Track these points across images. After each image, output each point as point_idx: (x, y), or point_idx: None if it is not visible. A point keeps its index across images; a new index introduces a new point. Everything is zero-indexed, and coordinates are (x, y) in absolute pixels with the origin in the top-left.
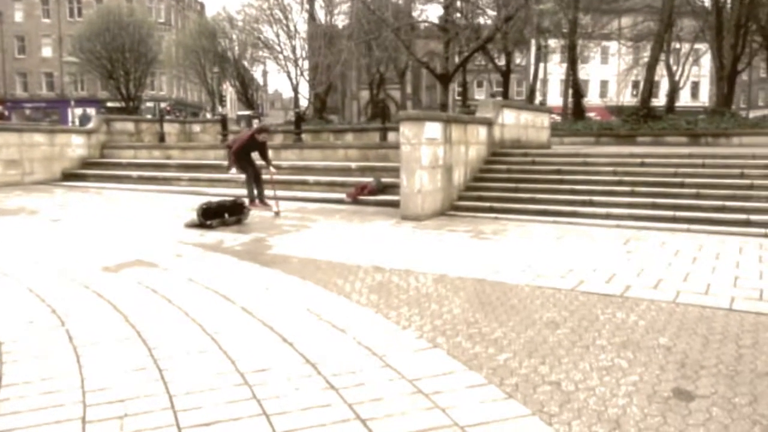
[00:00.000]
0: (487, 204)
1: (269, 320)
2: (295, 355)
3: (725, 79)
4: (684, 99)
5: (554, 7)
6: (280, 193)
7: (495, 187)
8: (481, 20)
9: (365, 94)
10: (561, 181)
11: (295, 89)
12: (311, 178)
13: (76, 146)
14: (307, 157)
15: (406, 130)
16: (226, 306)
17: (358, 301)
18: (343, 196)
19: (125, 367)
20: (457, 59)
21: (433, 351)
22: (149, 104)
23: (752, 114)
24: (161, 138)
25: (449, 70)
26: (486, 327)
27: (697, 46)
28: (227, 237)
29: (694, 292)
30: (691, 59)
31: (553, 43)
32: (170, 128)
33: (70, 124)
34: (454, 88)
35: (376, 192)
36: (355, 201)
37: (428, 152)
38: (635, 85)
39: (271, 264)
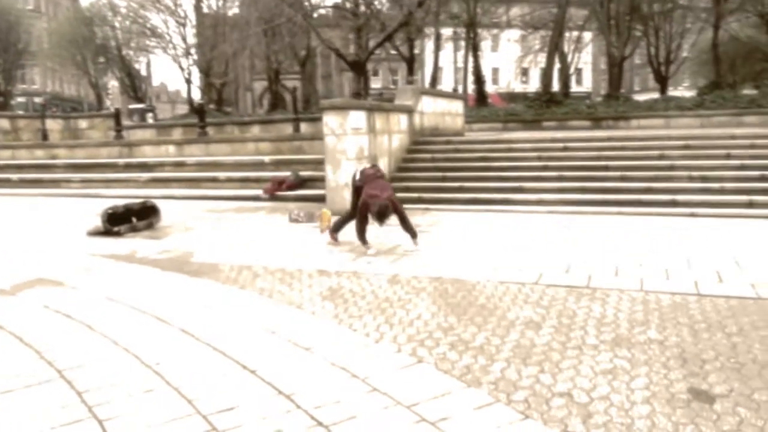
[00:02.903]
0: (416, 195)
1: (218, 343)
2: (263, 386)
3: (617, 65)
4: (571, 85)
5: None
6: (188, 191)
7: (421, 177)
8: (379, 6)
9: (258, 85)
10: (488, 168)
11: (188, 81)
12: (222, 175)
13: None
14: (214, 152)
15: (330, 120)
16: (161, 329)
17: (313, 312)
18: (259, 192)
19: (53, 423)
20: (353, 48)
21: (419, 367)
22: (21, 99)
23: (641, 97)
24: (44, 136)
25: (361, 57)
26: (465, 333)
27: (577, 34)
28: (141, 245)
29: (656, 278)
30: (578, 47)
31: (448, 31)
32: (53, 125)
33: None
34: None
35: (295, 186)
36: (273, 197)
37: (353, 143)
38: (524, 72)
39: (201, 274)
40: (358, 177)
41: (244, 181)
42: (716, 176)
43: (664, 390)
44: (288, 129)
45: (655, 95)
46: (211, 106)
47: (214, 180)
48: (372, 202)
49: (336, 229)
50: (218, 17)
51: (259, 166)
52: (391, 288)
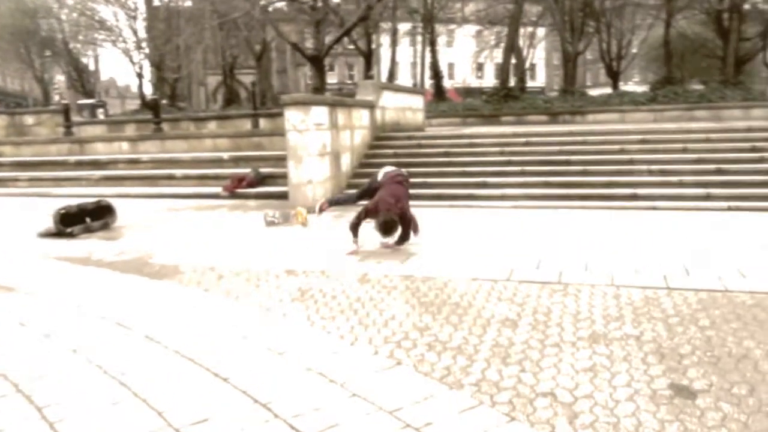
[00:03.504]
0: None
1: (186, 350)
2: (238, 395)
3: (571, 61)
4: (526, 81)
5: None
6: (143, 189)
7: None
8: (337, 0)
9: (212, 80)
10: (451, 164)
11: (140, 75)
12: (179, 172)
13: None
14: (170, 149)
15: (292, 115)
16: (124, 336)
17: (284, 314)
18: (218, 189)
19: None
20: (310, 42)
21: (398, 369)
22: None
23: (594, 92)
24: None
25: (321, 52)
26: (441, 332)
27: (531, 29)
28: (97, 246)
29: (624, 272)
30: (532, 43)
31: (404, 27)
32: None
33: None
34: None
35: (255, 184)
36: (232, 195)
37: (316, 139)
38: (479, 67)
39: (162, 276)
40: (380, 177)
41: (203, 179)
42: (674, 170)
43: (646, 386)
44: (246, 125)
45: (608, 90)
46: (164, 101)
47: (171, 177)
48: (381, 212)
49: (355, 231)
50: (171, 10)
51: (218, 162)
52: (362, 287)
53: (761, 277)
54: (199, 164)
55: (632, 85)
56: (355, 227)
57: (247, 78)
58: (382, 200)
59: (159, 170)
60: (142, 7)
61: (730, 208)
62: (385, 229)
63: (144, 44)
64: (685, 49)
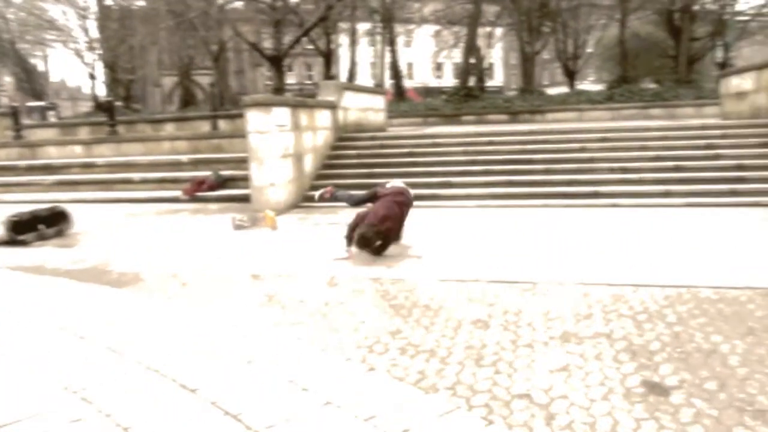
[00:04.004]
0: None
1: (151, 361)
2: (207, 407)
3: (530, 60)
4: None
5: None
6: (100, 194)
7: (348, 174)
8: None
9: (167, 81)
10: (415, 164)
11: (93, 76)
12: (136, 176)
13: None
14: (126, 152)
15: (253, 117)
16: (84, 348)
17: (251, 320)
18: (178, 193)
19: None
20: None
21: (372, 375)
22: None
23: (552, 91)
24: None
25: (281, 52)
26: (413, 335)
27: (489, 29)
28: (51, 254)
29: (591, 270)
30: (490, 43)
31: (363, 26)
32: None
33: None
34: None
35: (216, 187)
36: (193, 198)
37: (278, 140)
38: (438, 66)
39: (122, 284)
40: (385, 188)
41: (161, 182)
42: (634, 167)
43: (620, 385)
44: (205, 126)
45: (565, 89)
46: (119, 103)
47: (128, 181)
48: (365, 225)
49: (349, 240)
50: (124, 10)
51: (177, 165)
52: (329, 291)
53: (723, 273)
54: (158, 167)
55: (588, 84)
56: (350, 237)
57: (203, 79)
58: (372, 213)
59: (115, 174)
60: (93, 7)
61: (688, 205)
62: (358, 241)
63: (96, 44)
64: (638, 49)
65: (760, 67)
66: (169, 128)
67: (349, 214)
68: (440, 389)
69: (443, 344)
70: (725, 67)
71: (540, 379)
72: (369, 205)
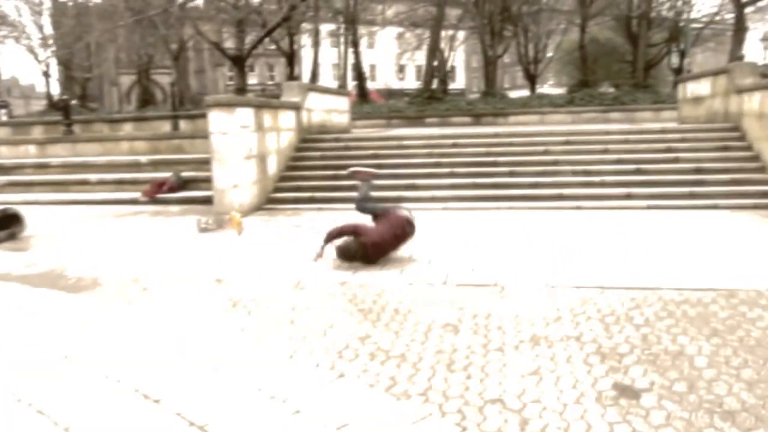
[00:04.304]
0: (308, 194)
1: (110, 370)
2: (172, 418)
3: (492, 63)
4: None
5: None
6: (55, 196)
7: (312, 175)
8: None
9: (125, 80)
10: (380, 166)
11: (47, 74)
12: (93, 177)
13: None
14: (83, 152)
15: (216, 117)
16: (39, 357)
17: (215, 326)
18: (137, 195)
19: None
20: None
21: (342, 382)
22: None
23: (513, 94)
24: None
25: (243, 52)
26: (383, 341)
27: (452, 32)
28: (4, 258)
29: (557, 272)
30: (452, 45)
31: (326, 27)
32: None
33: None
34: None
35: (176, 188)
36: (153, 200)
37: (242, 141)
38: (401, 69)
39: (79, 289)
40: (398, 212)
41: (120, 183)
42: (596, 170)
43: (591, 388)
44: (165, 126)
45: (526, 92)
46: (74, 102)
47: (85, 183)
48: (358, 241)
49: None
50: (80, 6)
51: (136, 166)
52: (295, 295)
53: (686, 274)
54: (116, 168)
55: (548, 88)
56: (329, 239)
57: (163, 78)
58: (377, 232)
59: (71, 175)
60: (47, 2)
61: (649, 207)
62: (343, 251)
63: (51, 41)
64: (597, 54)
65: (715, 74)
66: (128, 128)
67: (312, 218)
68: (412, 395)
69: (414, 349)
70: (680, 73)
71: (512, 383)
72: (368, 218)
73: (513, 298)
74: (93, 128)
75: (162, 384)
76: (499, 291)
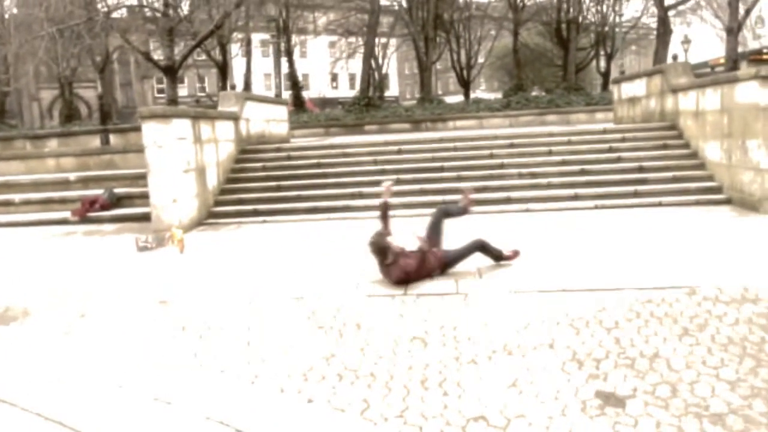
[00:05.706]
0: (250, 207)
1: (45, 408)
2: None
3: (428, 70)
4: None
5: None
6: None
7: (254, 187)
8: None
9: (46, 94)
10: (324, 175)
11: None
12: (17, 197)
13: None
14: (4, 171)
15: (151, 129)
16: None
17: (164, 353)
18: (67, 214)
19: None
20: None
21: (310, 408)
22: None
23: (448, 100)
24: None
25: (175, 62)
26: (350, 359)
27: (385, 40)
28: None
29: (518, 277)
30: (385, 53)
31: (258, 37)
32: None
33: None
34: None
35: (109, 206)
36: (84, 219)
37: (179, 154)
38: (334, 77)
39: (7, 320)
40: (441, 249)
41: (47, 203)
42: (542, 172)
43: (573, 398)
44: (94, 142)
45: (460, 98)
46: None
47: (8, 204)
48: (396, 266)
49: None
50: None
51: (64, 184)
52: (250, 315)
53: (645, 273)
54: (42, 187)
55: (480, 93)
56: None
57: (87, 92)
58: (406, 263)
59: None
60: None
61: (596, 207)
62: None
63: None
64: (527, 59)
65: (650, 74)
66: (53, 144)
67: (256, 231)
68: (389, 419)
69: (383, 366)
70: (608, 76)
71: (491, 397)
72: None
73: (478, 306)
74: (14, 145)
75: (104, 422)
76: (463, 298)
